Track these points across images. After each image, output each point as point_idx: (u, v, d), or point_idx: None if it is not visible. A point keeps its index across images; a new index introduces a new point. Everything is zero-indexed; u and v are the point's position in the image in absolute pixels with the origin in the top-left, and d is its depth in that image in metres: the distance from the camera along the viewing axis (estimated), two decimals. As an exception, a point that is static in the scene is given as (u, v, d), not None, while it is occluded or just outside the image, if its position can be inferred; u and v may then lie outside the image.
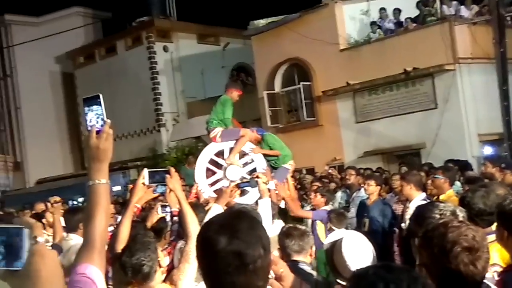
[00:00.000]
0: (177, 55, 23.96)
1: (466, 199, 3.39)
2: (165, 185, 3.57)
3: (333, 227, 6.70)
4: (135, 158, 22.02)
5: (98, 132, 2.07)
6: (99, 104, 2.09)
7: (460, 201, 3.45)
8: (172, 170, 3.48)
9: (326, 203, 7.26)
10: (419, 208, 3.14)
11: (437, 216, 2.73)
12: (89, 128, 2.08)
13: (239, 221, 1.81)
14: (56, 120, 27.32)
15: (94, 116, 2.09)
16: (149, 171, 3.41)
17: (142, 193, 3.41)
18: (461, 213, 2.87)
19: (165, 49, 23.85)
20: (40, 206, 8.21)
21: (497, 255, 3.07)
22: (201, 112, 20.04)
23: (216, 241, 1.74)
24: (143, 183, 3.40)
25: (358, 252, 3.16)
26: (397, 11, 17.34)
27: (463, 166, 10.20)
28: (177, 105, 23.68)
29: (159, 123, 23.32)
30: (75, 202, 12.47)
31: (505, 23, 13.92)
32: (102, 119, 2.08)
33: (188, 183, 13.85)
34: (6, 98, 27.35)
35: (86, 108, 2.09)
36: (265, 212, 4.94)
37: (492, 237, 3.06)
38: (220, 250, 1.73)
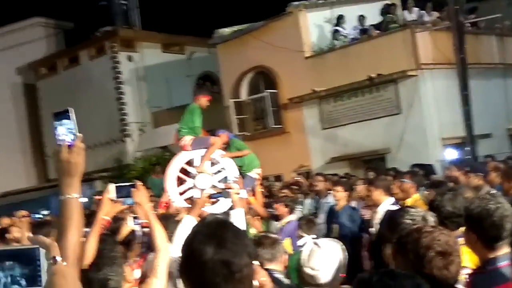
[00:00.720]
0: (141, 64, 23.78)
1: (435, 203, 3.46)
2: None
3: (303, 234, 6.76)
4: (100, 169, 21.73)
5: (69, 147, 2.05)
6: (70, 118, 2.07)
7: (429, 205, 3.52)
8: (139, 183, 3.45)
9: (290, 212, 7.26)
10: (391, 214, 3.19)
11: (409, 221, 2.78)
12: (59, 143, 2.05)
13: (225, 230, 1.82)
14: (18, 133, 26.76)
15: (65, 131, 2.06)
16: (115, 186, 3.37)
17: (108, 208, 3.37)
18: (431, 218, 2.92)
19: (129, 58, 23.66)
20: (5, 221, 8.03)
21: (466, 257, 3.13)
22: (167, 121, 19.96)
23: (203, 251, 1.75)
24: (109, 198, 3.36)
25: (323, 260, 3.20)
26: (362, 18, 17.59)
27: (428, 170, 10.42)
28: (142, 115, 23.49)
29: (125, 133, 23.08)
30: (40, 216, 12.20)
31: (465, 29, 14.25)
32: (73, 133, 2.06)
33: (156, 193, 13.76)
34: (-34, 110, 26.69)
35: (56, 123, 2.06)
36: (238, 222, 4.94)
37: (461, 240, 3.12)
38: (208, 260, 1.73)
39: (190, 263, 1.77)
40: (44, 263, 1.11)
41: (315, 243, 3.38)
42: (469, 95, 13.16)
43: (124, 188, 3.39)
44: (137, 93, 23.50)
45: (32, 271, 1.10)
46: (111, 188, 3.32)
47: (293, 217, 7.20)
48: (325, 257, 3.20)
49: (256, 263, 2.86)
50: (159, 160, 19.22)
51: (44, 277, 1.10)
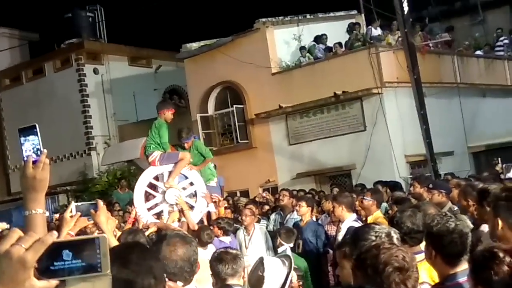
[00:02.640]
0: (108, 77, 23.60)
1: (395, 219, 3.55)
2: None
3: (282, 242, 6.92)
4: (64, 182, 21.41)
5: (34, 162, 2.05)
6: (36, 134, 2.07)
7: (390, 222, 3.60)
8: (100, 203, 3.44)
9: (224, 234, 7.25)
10: (356, 231, 3.26)
11: (373, 238, 2.85)
12: (25, 158, 2.05)
13: (131, 251, 1.90)
14: (-21, 144, 26.20)
15: (31, 146, 2.06)
16: (76, 205, 3.38)
17: (71, 226, 3.36)
18: (395, 235, 3.00)
19: (95, 71, 23.46)
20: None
21: (425, 273, 3.22)
22: (133, 135, 19.81)
23: None
24: (71, 216, 3.36)
25: (265, 277, 3.32)
26: (323, 37, 17.93)
27: (393, 186, 10.55)
28: (108, 128, 23.26)
29: (90, 147, 22.80)
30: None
31: (430, 49, 14.51)
32: (39, 149, 2.06)
33: (122, 207, 13.68)
34: None
35: (22, 139, 2.06)
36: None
37: (421, 256, 3.21)
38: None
39: None
40: (103, 250, 1.25)
41: (260, 261, 3.51)
42: (426, 114, 13.30)
43: (85, 207, 3.40)
44: (102, 106, 23.29)
45: (92, 259, 1.25)
46: (72, 206, 3.33)
47: (226, 239, 7.16)
48: (266, 274, 3.32)
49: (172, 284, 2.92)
50: (124, 174, 19.06)
51: (104, 264, 1.25)
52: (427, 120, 13.12)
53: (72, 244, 1.27)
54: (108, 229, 3.44)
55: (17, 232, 1.25)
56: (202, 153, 8.18)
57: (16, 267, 1.21)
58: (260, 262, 3.47)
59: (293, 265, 3.44)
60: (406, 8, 12.87)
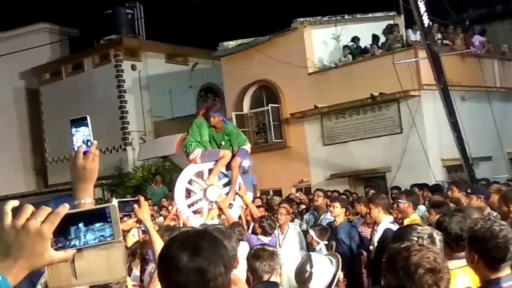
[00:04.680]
0: (145, 74, 23.90)
1: (444, 224, 3.47)
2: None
3: (317, 240, 6.98)
4: (100, 176, 21.53)
5: (85, 153, 2.08)
6: (87, 125, 2.11)
7: (437, 226, 3.53)
8: (142, 199, 3.47)
9: (263, 234, 7.20)
10: (398, 232, 3.22)
11: (415, 239, 2.82)
12: (76, 149, 2.08)
13: (201, 239, 1.86)
14: (19, 137, 26.79)
15: (81, 137, 2.10)
16: (118, 201, 3.42)
17: None
18: (438, 236, 2.95)
19: (133, 67, 23.78)
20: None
21: (470, 279, 3.16)
22: (168, 131, 20.00)
23: (178, 257, 1.79)
24: None
25: (313, 274, 3.31)
26: (357, 39, 17.76)
27: (433, 189, 10.35)
28: (144, 124, 23.56)
29: (126, 142, 23.12)
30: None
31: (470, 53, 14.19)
32: (89, 140, 2.10)
33: (156, 202, 13.82)
34: (-32, 113, 26.72)
35: (74, 129, 2.10)
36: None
37: (465, 261, 3.15)
38: (182, 266, 1.77)
39: (166, 269, 1.82)
40: (114, 217, 1.31)
41: (308, 257, 3.49)
42: (457, 121, 12.90)
43: (127, 204, 3.44)
44: (139, 102, 23.59)
45: (105, 228, 1.32)
46: (114, 202, 3.36)
47: (265, 239, 7.10)
48: (315, 270, 3.30)
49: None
50: (159, 169, 19.27)
51: (116, 231, 1.31)
52: (458, 127, 12.79)
53: (85, 214, 1.32)
54: (151, 225, 3.49)
55: (30, 208, 1.29)
56: (232, 140, 7.86)
57: (34, 240, 1.26)
58: (308, 258, 3.44)
59: (340, 265, 3.41)
60: (426, 21, 12.44)
